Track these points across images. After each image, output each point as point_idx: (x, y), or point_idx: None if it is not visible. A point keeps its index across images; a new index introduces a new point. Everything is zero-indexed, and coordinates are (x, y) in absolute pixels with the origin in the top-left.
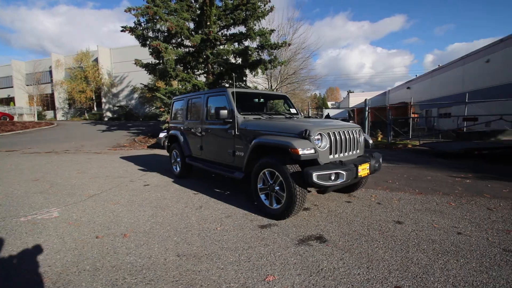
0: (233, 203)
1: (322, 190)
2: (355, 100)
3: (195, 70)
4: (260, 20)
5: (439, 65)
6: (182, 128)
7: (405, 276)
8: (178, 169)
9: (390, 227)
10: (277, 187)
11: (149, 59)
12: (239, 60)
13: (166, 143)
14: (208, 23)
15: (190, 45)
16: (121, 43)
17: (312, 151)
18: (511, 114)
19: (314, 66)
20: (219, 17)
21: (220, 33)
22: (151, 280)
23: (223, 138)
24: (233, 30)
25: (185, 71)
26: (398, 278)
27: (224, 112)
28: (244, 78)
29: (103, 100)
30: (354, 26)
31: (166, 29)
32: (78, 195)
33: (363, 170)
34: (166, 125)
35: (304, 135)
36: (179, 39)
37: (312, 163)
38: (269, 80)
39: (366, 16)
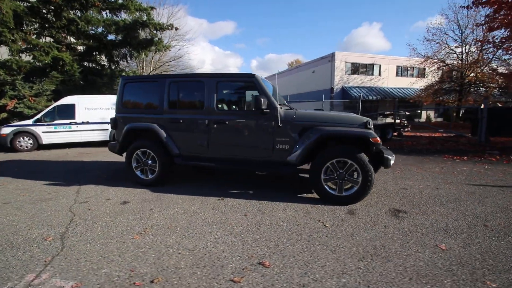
0: (280, 199)
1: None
2: None
3: (38, 37)
4: None
5: (278, 71)
6: (159, 119)
7: (477, 218)
8: (151, 175)
9: (412, 192)
10: (347, 175)
11: None
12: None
13: (118, 141)
14: None
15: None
16: None
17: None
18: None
19: (167, 56)
20: None
21: None
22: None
23: (255, 131)
24: None
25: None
26: (477, 221)
27: (265, 101)
28: (122, 60)
29: None
30: (194, 22)
31: None
32: (37, 241)
33: None
34: (4, 114)
35: (367, 126)
36: None
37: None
38: (138, 65)
39: (204, 15)
